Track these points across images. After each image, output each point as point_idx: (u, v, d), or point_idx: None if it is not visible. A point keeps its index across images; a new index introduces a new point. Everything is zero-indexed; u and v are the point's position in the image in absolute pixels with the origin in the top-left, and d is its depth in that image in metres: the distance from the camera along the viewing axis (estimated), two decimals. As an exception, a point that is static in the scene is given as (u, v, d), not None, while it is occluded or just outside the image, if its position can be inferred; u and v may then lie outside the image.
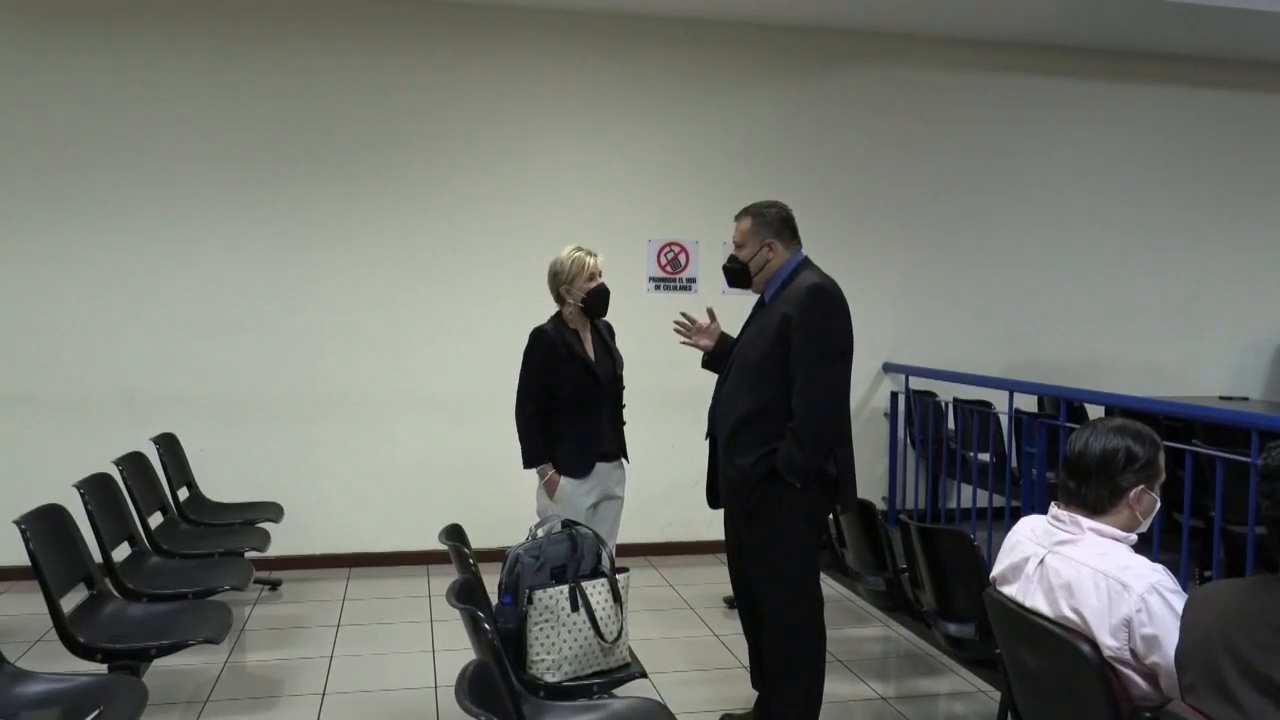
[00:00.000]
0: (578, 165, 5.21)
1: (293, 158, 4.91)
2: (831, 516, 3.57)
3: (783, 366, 2.67)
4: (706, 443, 2.93)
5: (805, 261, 2.82)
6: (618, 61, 5.24)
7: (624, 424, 3.41)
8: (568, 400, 3.22)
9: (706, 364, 3.07)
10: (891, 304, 5.64)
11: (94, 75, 4.73)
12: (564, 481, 3.20)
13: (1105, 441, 1.93)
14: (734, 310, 3.06)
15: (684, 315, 3.07)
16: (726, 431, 2.78)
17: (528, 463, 3.25)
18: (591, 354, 3.29)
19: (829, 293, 2.69)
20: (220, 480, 4.61)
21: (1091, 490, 1.93)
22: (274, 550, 4.14)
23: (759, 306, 2.89)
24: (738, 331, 2.96)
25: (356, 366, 4.99)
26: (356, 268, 4.99)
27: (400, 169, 5.01)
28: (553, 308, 3.34)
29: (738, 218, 2.88)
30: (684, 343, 3.09)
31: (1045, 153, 5.83)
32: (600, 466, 3.26)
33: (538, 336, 3.25)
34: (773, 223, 2.81)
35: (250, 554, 3.79)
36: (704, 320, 3.07)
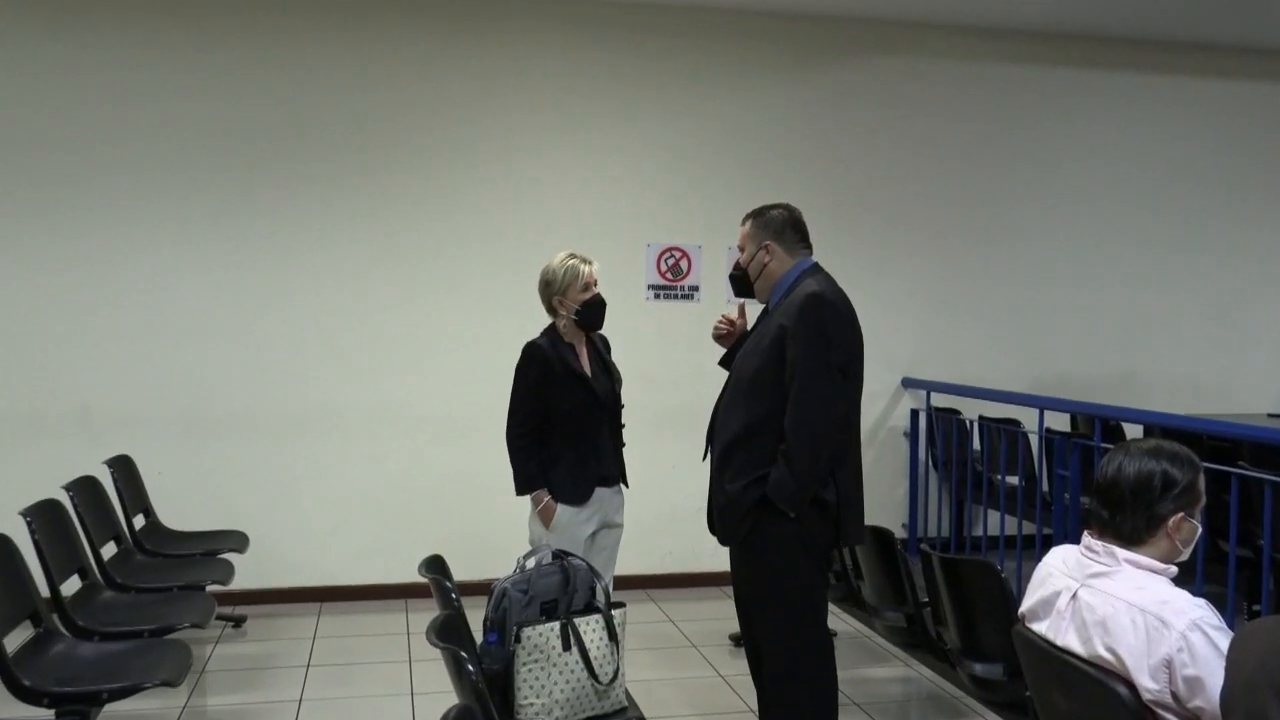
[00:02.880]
0: (572, 166, 5.23)
1: (264, 159, 4.93)
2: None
3: (777, 382, 2.66)
4: (705, 463, 2.93)
5: (812, 268, 2.81)
6: (614, 54, 5.27)
7: (624, 445, 3.42)
8: (564, 420, 3.22)
9: (724, 363, 3.06)
10: (911, 314, 5.66)
11: (46, 77, 4.75)
12: (560, 509, 3.20)
13: (1139, 465, 1.93)
14: (751, 319, 3.06)
15: (725, 317, 3.04)
16: (719, 452, 2.78)
17: (521, 489, 3.24)
18: (588, 370, 3.29)
19: (828, 301, 2.67)
20: (180, 507, 4.60)
21: (1127, 519, 1.93)
22: (238, 583, 4.13)
23: (763, 316, 2.89)
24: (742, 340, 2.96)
25: (331, 381, 5.00)
26: (332, 276, 5.01)
27: (381, 171, 5.04)
28: (545, 320, 3.35)
29: (742, 221, 2.89)
30: (717, 339, 3.06)
31: (1078, 153, 5.86)
32: (599, 492, 3.26)
33: (531, 351, 3.25)
34: (773, 224, 2.81)
35: (212, 587, 3.78)
36: (738, 319, 3.03)
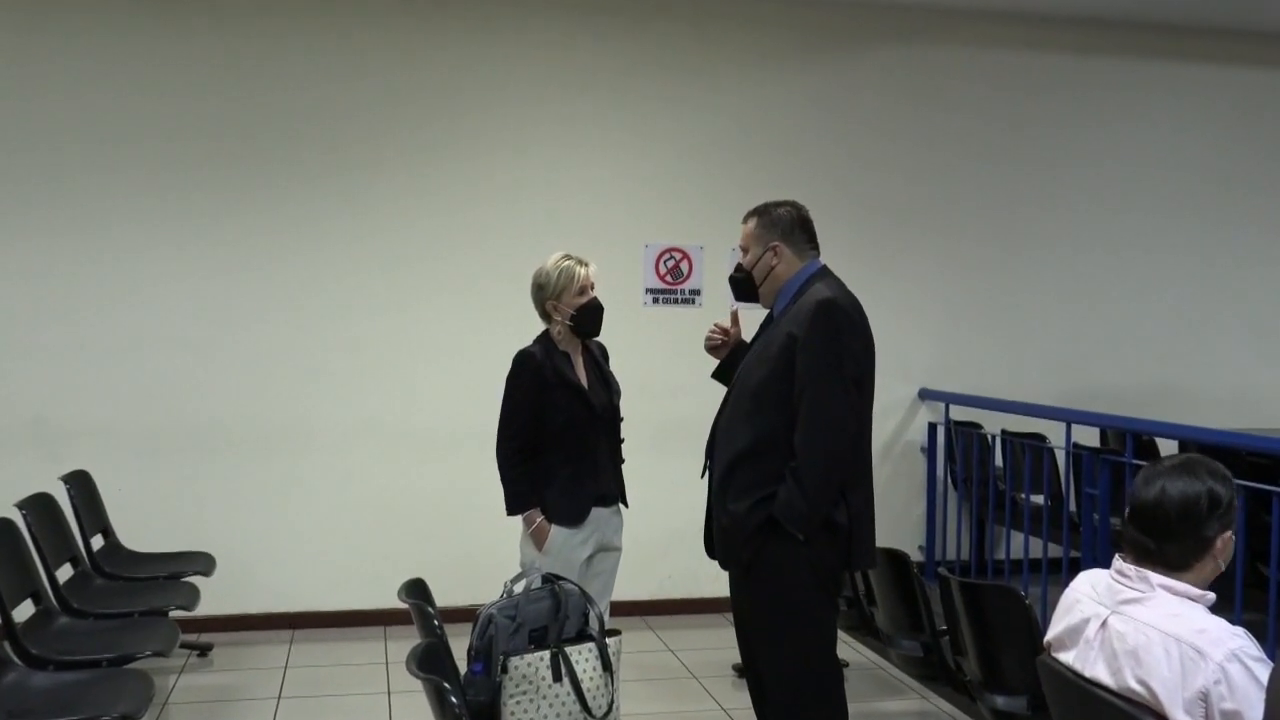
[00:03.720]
0: (565, 162, 5.24)
1: (236, 160, 4.93)
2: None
3: (785, 395, 2.65)
4: (704, 481, 2.92)
5: (821, 271, 2.81)
6: (608, 42, 5.29)
7: (623, 461, 3.41)
8: (558, 435, 3.22)
9: (717, 375, 3.07)
10: (928, 322, 5.67)
11: None
12: (555, 530, 3.19)
13: (1184, 486, 1.92)
14: (748, 325, 3.07)
15: (718, 326, 3.05)
16: (720, 470, 2.76)
17: (512, 508, 3.24)
18: (585, 380, 3.29)
19: (842, 308, 2.67)
20: (142, 526, 4.59)
21: (1175, 547, 1.92)
22: (204, 609, 4.12)
23: (767, 323, 2.89)
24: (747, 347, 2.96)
25: (306, 393, 4.99)
26: (308, 281, 5.01)
27: (361, 170, 5.04)
28: (538, 326, 3.35)
29: (745, 219, 2.88)
30: (710, 350, 3.07)
31: (1112, 151, 5.86)
32: (597, 512, 3.25)
33: (523, 361, 3.25)
34: (781, 223, 2.80)
35: (176, 613, 3.77)
36: (732, 327, 3.04)
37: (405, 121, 5.09)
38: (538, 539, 3.19)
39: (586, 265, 3.28)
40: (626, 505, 3.41)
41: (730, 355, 3.02)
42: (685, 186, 5.37)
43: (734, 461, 2.72)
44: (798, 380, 2.64)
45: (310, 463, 5.00)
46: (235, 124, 4.94)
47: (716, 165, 5.39)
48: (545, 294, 3.26)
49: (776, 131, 5.46)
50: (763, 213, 2.84)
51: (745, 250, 2.87)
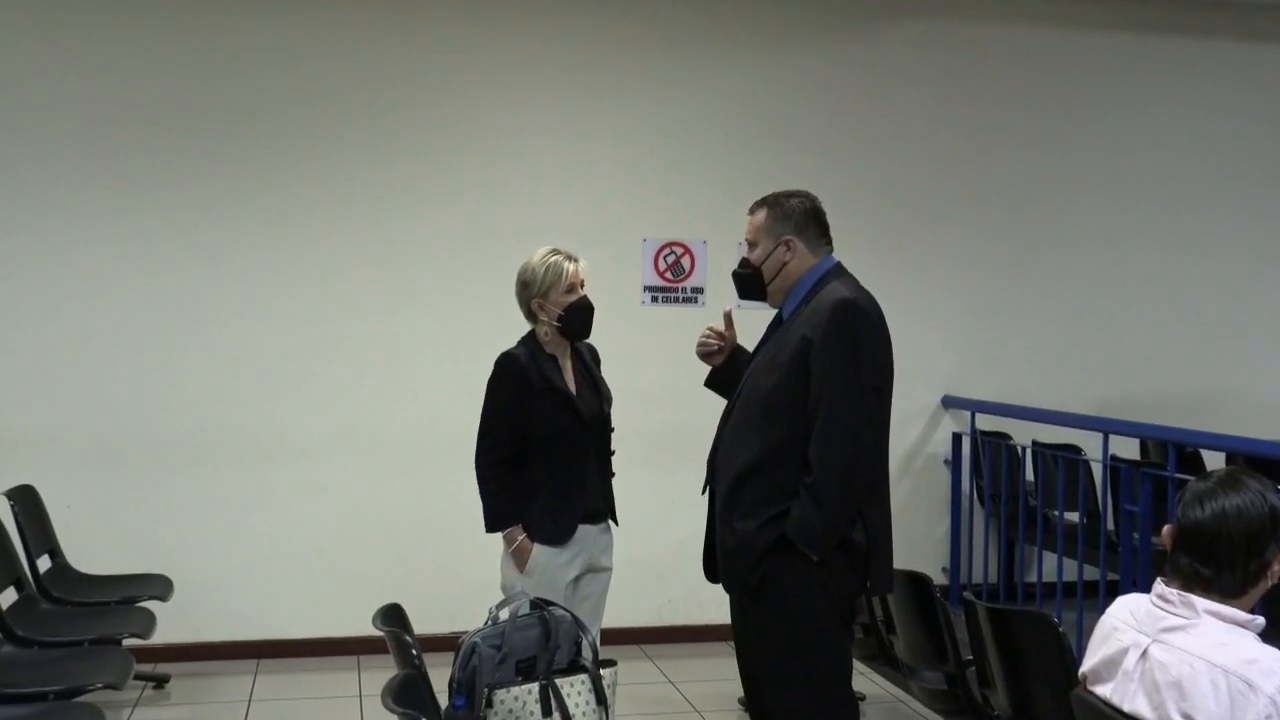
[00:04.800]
0: (556, 148, 5.25)
1: (192, 144, 4.93)
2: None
3: (799, 403, 2.65)
4: (705, 498, 2.91)
5: (836, 269, 2.81)
6: (603, 19, 5.29)
7: (613, 475, 3.41)
8: (543, 445, 3.22)
9: (711, 383, 3.06)
10: (952, 324, 5.68)
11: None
12: (538, 549, 3.19)
13: (1243, 506, 1.90)
14: (755, 326, 3.07)
15: (711, 330, 3.05)
16: (726, 485, 2.76)
17: (491, 525, 3.24)
18: (573, 386, 3.30)
19: (862, 310, 2.67)
20: (93, 546, 4.59)
21: (1235, 574, 1.90)
22: (160, 637, 4.11)
23: (776, 324, 2.89)
24: (752, 352, 2.96)
25: (272, 399, 4.99)
26: (277, 277, 5.01)
27: (334, 161, 5.05)
28: (523, 326, 3.35)
29: (752, 210, 2.88)
30: (704, 357, 3.06)
31: (1154, 140, 5.87)
32: (584, 530, 3.25)
33: (505, 364, 3.25)
34: (793, 215, 2.80)
35: (130, 641, 3.76)
36: (727, 330, 3.04)
37: (382, 108, 5.09)
38: (519, 559, 3.19)
39: (576, 261, 3.28)
40: (616, 523, 3.41)
41: (727, 362, 3.01)
42: (687, 175, 5.37)
43: (741, 476, 2.72)
44: (813, 387, 2.64)
45: (277, 476, 4.99)
46: (193, 108, 4.94)
47: (721, 152, 5.39)
48: (530, 292, 3.26)
49: (787, 116, 5.46)
50: (774, 204, 2.83)
51: (752, 244, 2.86)
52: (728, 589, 2.83)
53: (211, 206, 4.96)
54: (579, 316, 3.27)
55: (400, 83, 5.12)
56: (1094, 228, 5.84)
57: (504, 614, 2.72)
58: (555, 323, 3.24)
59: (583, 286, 3.28)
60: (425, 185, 5.13)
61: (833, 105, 5.52)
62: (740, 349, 3.03)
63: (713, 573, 2.88)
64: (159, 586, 4.31)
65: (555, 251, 3.28)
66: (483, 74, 5.19)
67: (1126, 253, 5.88)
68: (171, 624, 4.35)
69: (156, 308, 4.92)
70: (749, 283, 2.89)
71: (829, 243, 2.85)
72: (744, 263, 2.90)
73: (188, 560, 4.75)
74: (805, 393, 2.65)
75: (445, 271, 5.13)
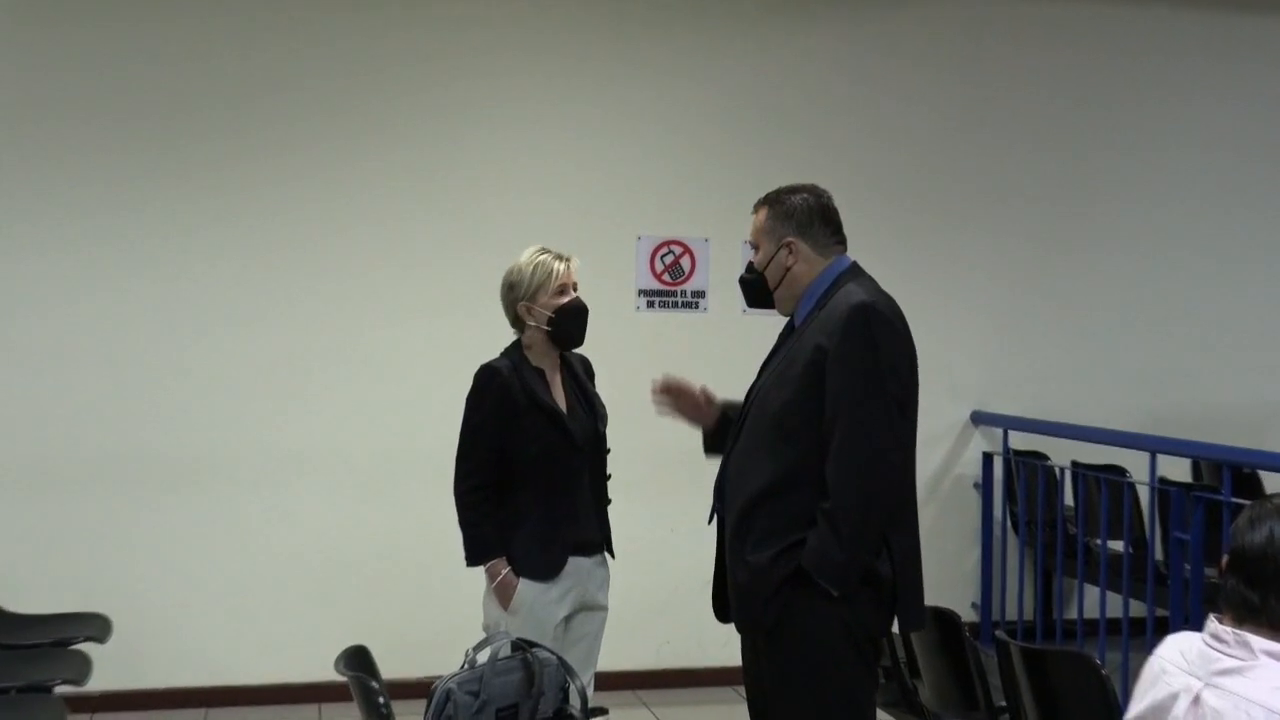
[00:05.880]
0: (542, 137, 5.26)
1: (137, 136, 4.94)
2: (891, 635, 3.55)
3: (813, 420, 2.65)
4: (712, 527, 2.92)
5: (851, 270, 2.82)
6: (597, -7, 5.33)
7: (609, 502, 3.42)
8: (530, 468, 3.22)
9: (710, 447, 3.06)
10: (983, 332, 5.70)
11: None
12: (524, 585, 3.19)
13: None
14: (766, 335, 3.08)
15: (667, 384, 3.05)
16: (735, 513, 2.76)
17: (472, 558, 3.25)
18: (563, 402, 3.30)
19: (881, 314, 2.67)
20: (19, 582, 4.57)
21: None
22: (97, 683, 4.07)
23: (788, 332, 2.89)
24: (761, 363, 2.96)
25: (224, 416, 4.99)
26: (228, 282, 5.01)
27: (299, 151, 5.06)
28: (507, 336, 3.36)
29: (755, 208, 2.89)
30: (663, 413, 3.07)
31: (1212, 130, 5.90)
32: (576, 563, 3.26)
33: (486, 378, 3.25)
34: (797, 214, 2.80)
35: (63, 688, 3.74)
36: (691, 387, 3.05)
37: (350, 99, 5.10)
38: (502, 595, 3.19)
39: (568, 260, 3.30)
40: (613, 555, 3.41)
41: (719, 420, 3.01)
42: (687, 167, 5.39)
43: (752, 502, 2.72)
44: (829, 402, 2.64)
45: (230, 503, 4.98)
46: (130, 101, 4.93)
47: (724, 143, 5.41)
48: (517, 294, 3.27)
49: (795, 104, 5.48)
50: (774, 201, 2.84)
51: (755, 246, 2.88)
52: (740, 629, 2.83)
53: (158, 210, 4.97)
54: (572, 320, 3.28)
55: (370, 72, 5.13)
56: (1138, 226, 5.86)
57: (482, 656, 2.72)
58: (545, 327, 3.25)
59: (576, 289, 3.30)
60: (396, 182, 5.14)
61: (847, 93, 5.54)
62: (730, 405, 3.01)
63: (723, 611, 2.88)
64: (96, 626, 4.29)
65: (544, 250, 3.30)
66: (463, 64, 5.20)
67: (1175, 253, 5.90)
68: (110, 668, 4.33)
69: (92, 318, 4.92)
70: (755, 289, 2.90)
71: (842, 241, 2.86)
72: (749, 268, 2.91)
73: (128, 597, 4.73)
74: (820, 408, 2.65)
75: (420, 277, 5.14)
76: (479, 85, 5.21)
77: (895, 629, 2.86)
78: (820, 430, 2.65)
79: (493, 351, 3.34)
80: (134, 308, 4.95)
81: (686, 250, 5.39)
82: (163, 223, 4.98)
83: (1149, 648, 2.18)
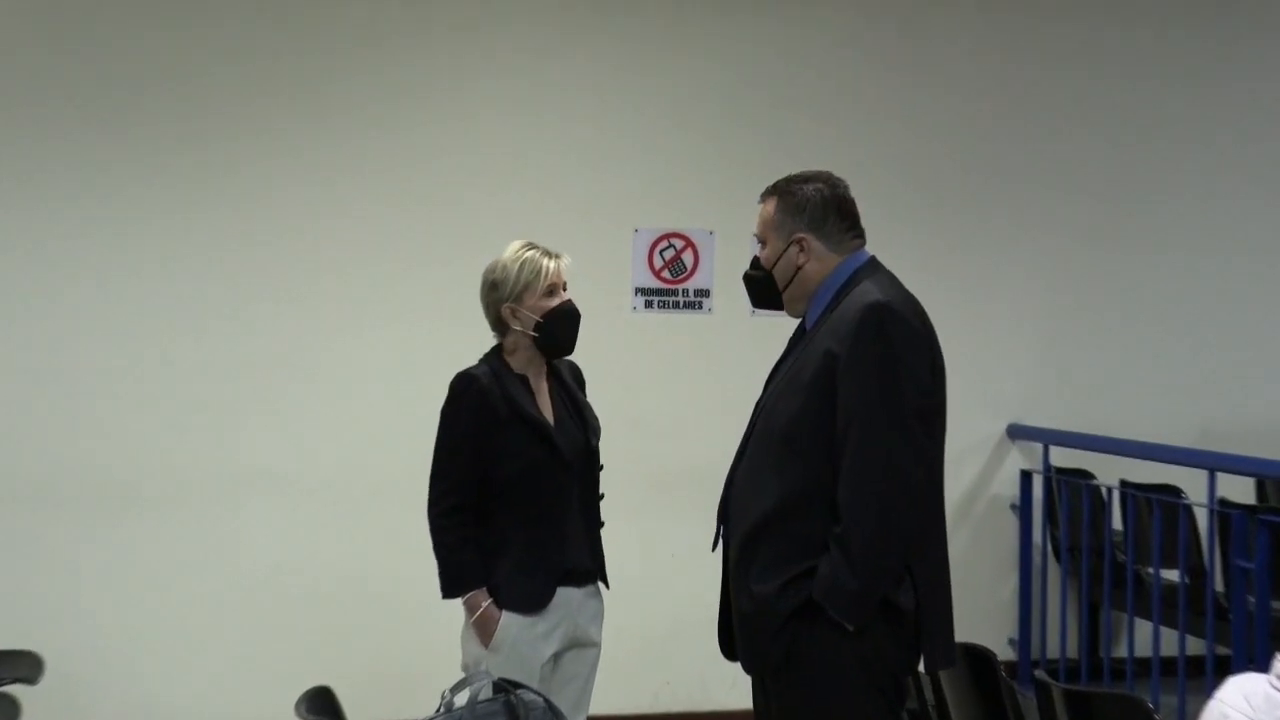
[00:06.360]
0: (528, 119, 5.27)
1: (61, 115, 4.92)
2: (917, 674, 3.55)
3: (824, 434, 2.66)
4: (719, 554, 2.91)
5: (869, 266, 2.82)
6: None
7: (602, 525, 3.41)
8: (513, 488, 3.23)
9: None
10: (1019, 336, 5.70)
11: None
12: (507, 619, 3.19)
13: None
14: (778, 339, 3.08)
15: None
16: (740, 538, 2.77)
17: (448, 589, 3.24)
18: (549, 413, 3.30)
19: (898, 314, 2.67)
20: (-58, 616, 4.57)
21: None
22: (29, 729, 4.09)
23: (799, 336, 2.90)
24: (770, 371, 2.96)
25: (168, 431, 4.98)
26: (171, 281, 5.00)
27: (255, 132, 5.06)
28: (488, 339, 3.36)
29: (761, 198, 2.89)
30: None
31: (1269, 112, 5.89)
32: (565, 594, 3.26)
33: (463, 387, 3.25)
34: (810, 206, 2.81)
35: (-10, 736, 3.74)
36: None
37: (309, 74, 5.11)
38: (483, 630, 3.19)
39: (557, 258, 3.30)
40: (607, 585, 3.41)
41: None
42: (689, 151, 5.39)
43: (758, 526, 2.72)
44: (841, 413, 2.65)
45: (175, 528, 4.97)
46: (51, 76, 4.92)
47: (730, 124, 5.42)
48: (501, 294, 3.26)
49: (809, 82, 5.49)
50: (784, 191, 2.85)
51: (762, 241, 2.89)
52: (746, 667, 2.84)
53: (96, 204, 4.96)
54: (561, 325, 3.28)
55: (328, 44, 5.13)
56: (1195, 221, 5.88)
57: (460, 699, 2.71)
58: (532, 333, 3.25)
59: (566, 289, 3.30)
60: (363, 168, 5.14)
61: (868, 72, 5.55)
62: None
63: (729, 647, 2.89)
64: (25, 666, 4.27)
65: (532, 246, 3.30)
66: (433, 28, 5.20)
67: (1237, 252, 5.92)
68: (42, 713, 4.32)
69: (27, 323, 4.90)
70: (761, 288, 2.91)
71: (859, 235, 2.86)
72: (755, 263, 2.92)
73: (62, 633, 4.72)
74: (832, 420, 2.66)
75: (387, 273, 5.13)
76: (455, 62, 5.22)
77: (921, 667, 2.85)
78: (832, 445, 2.66)
79: (470, 358, 3.34)
80: (70, 312, 4.94)
81: (689, 244, 5.40)
82: (103, 216, 4.98)
83: (1208, 691, 2.18)
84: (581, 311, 3.33)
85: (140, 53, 4.99)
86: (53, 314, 4.94)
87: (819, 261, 2.81)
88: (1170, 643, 4.95)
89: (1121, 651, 5.35)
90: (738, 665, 2.90)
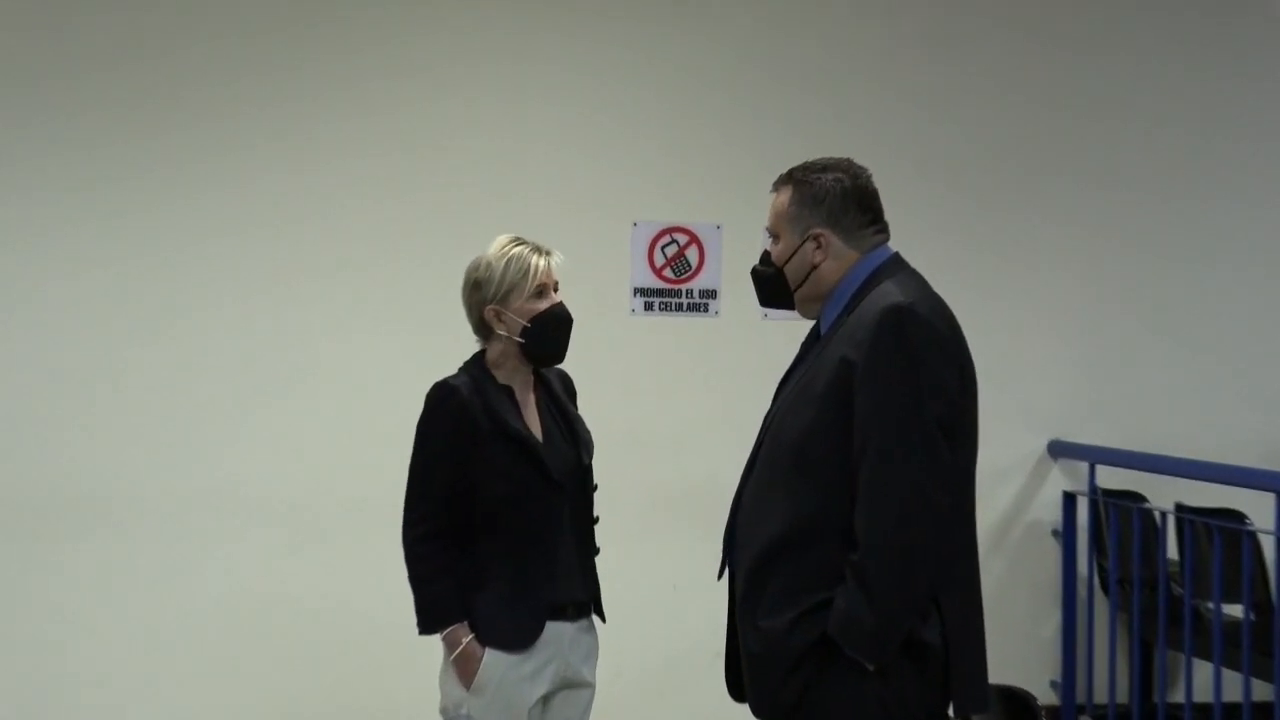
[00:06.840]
0: (520, 103, 5.29)
1: (36, 85, 4.99)
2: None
3: (839, 451, 2.65)
4: (725, 584, 2.91)
5: (891, 264, 2.82)
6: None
7: (596, 552, 3.42)
8: (496, 511, 3.22)
9: None
10: (1061, 344, 5.71)
11: None
12: (490, 657, 3.18)
13: None
14: (791, 345, 3.09)
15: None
16: (746, 568, 2.76)
17: (425, 624, 3.24)
18: (537, 427, 3.30)
19: (918, 317, 2.66)
20: None
21: None
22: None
23: (813, 340, 2.90)
24: (780, 381, 2.95)
25: (122, 447, 5.00)
26: (124, 276, 5.03)
27: (217, 117, 5.09)
28: (470, 345, 3.37)
29: (774, 187, 2.89)
30: None
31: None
32: (555, 629, 3.25)
33: (441, 399, 3.24)
34: (829, 198, 2.80)
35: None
36: None
37: (281, 54, 5.15)
38: (464, 669, 3.17)
39: (548, 255, 3.29)
40: (603, 619, 3.41)
41: None
42: (694, 141, 5.41)
43: (766, 554, 2.72)
44: (857, 428, 2.64)
45: (125, 555, 4.99)
46: (28, 59, 4.99)
47: (739, 112, 5.44)
48: (485, 295, 3.26)
49: (823, 62, 5.51)
50: (800, 181, 2.84)
51: (775, 235, 2.89)
52: (755, 711, 2.83)
53: (41, 194, 4.99)
54: (551, 330, 3.27)
55: (312, 25, 5.17)
56: (1255, 222, 5.88)
57: (439, 745, 2.72)
58: (518, 338, 3.25)
59: (557, 290, 3.30)
60: (338, 155, 5.17)
61: (890, 52, 5.57)
62: None
63: (738, 688, 2.88)
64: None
65: (519, 241, 3.29)
66: (424, 18, 5.23)
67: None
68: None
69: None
70: (771, 285, 2.90)
71: (881, 230, 2.86)
72: (765, 258, 2.91)
73: (4, 667, 4.76)
74: (847, 436, 2.65)
75: (361, 270, 5.16)
76: (437, 41, 5.24)
77: (951, 712, 2.85)
78: (848, 463, 2.65)
79: (450, 367, 3.33)
80: (12, 316, 4.97)
81: (693, 240, 5.41)
82: (48, 208, 5.00)
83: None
84: (574, 315, 3.32)
85: (118, 37, 5.03)
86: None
87: (836, 259, 2.81)
88: (1233, 687, 4.95)
89: (1178, 696, 5.34)
90: (747, 708, 2.90)
